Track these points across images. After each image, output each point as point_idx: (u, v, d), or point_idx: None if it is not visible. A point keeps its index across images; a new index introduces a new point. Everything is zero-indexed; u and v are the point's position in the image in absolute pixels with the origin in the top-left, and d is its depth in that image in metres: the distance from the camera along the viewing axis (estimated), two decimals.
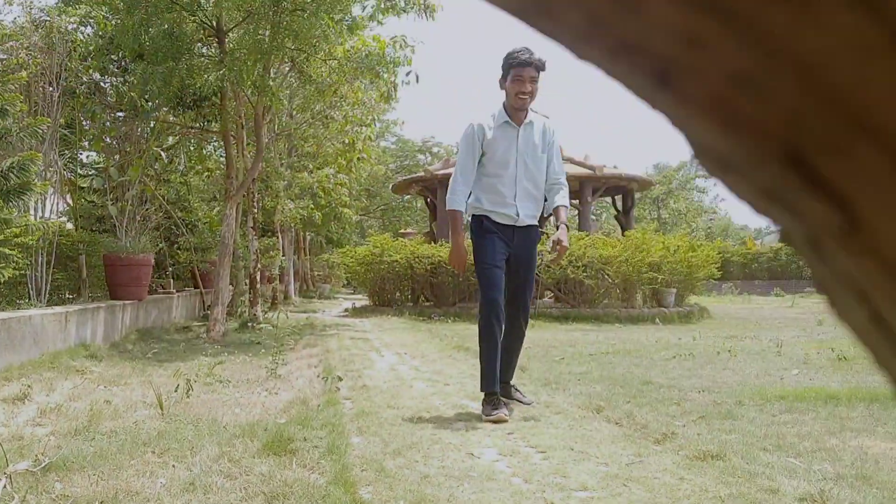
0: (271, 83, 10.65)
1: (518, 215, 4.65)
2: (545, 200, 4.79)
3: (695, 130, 0.32)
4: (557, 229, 4.63)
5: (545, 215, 4.92)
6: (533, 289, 4.94)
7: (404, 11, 12.20)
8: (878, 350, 0.33)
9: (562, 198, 4.73)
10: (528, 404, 4.66)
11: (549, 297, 14.36)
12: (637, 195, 22.65)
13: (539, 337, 9.49)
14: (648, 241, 13.84)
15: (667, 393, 5.11)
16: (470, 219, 4.83)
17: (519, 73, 4.50)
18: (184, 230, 12.25)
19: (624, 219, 19.14)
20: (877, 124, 0.26)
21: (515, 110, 4.62)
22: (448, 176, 16.15)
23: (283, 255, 19.07)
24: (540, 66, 4.51)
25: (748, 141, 0.29)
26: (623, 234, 16.17)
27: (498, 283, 4.58)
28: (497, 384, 4.48)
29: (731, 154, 0.31)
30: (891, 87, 0.25)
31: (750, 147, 0.30)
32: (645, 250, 13.36)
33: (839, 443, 3.63)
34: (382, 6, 12.09)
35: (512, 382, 4.87)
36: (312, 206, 17.68)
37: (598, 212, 37.36)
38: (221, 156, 14.37)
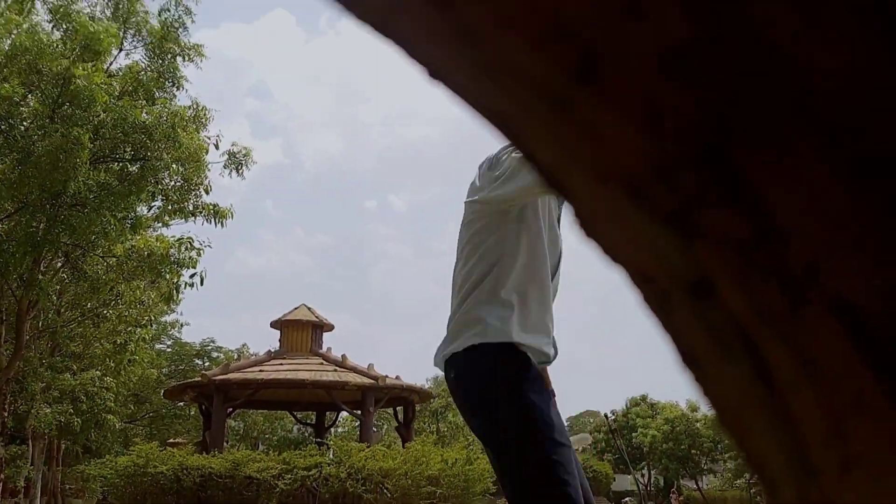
0: (41, 277, 10.07)
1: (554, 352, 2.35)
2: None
3: (612, 138, 0.29)
4: None
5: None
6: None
7: (192, 215, 12.18)
8: (753, 419, 0.31)
9: None
10: None
11: None
12: (417, 407, 22.90)
13: None
14: (428, 452, 13.87)
15: None
16: (495, 349, 2.11)
17: None
18: None
19: (405, 430, 19.17)
20: (815, 104, 0.26)
21: None
22: (226, 382, 15.59)
23: (31, 466, 17.12)
24: None
25: (668, 139, 0.28)
26: (404, 446, 16.11)
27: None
28: None
29: (645, 163, 0.28)
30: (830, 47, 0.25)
31: (669, 147, 0.28)
32: (424, 463, 13.33)
33: None
34: (170, 208, 12.02)
35: None
36: (72, 411, 16.25)
37: (380, 423, 37.14)
38: None
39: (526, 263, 2.14)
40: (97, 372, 16.55)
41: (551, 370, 2.34)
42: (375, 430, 26.32)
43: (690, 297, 0.30)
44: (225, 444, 16.10)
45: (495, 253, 2.13)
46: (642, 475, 43.91)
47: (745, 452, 0.34)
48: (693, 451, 41.24)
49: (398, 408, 19.91)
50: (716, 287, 0.29)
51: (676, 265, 0.30)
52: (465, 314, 2.14)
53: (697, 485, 42.25)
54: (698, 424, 41.04)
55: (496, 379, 2.09)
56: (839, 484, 0.30)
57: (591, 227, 0.33)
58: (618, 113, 0.28)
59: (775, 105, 0.26)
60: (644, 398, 48.50)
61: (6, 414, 11.85)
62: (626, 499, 33.75)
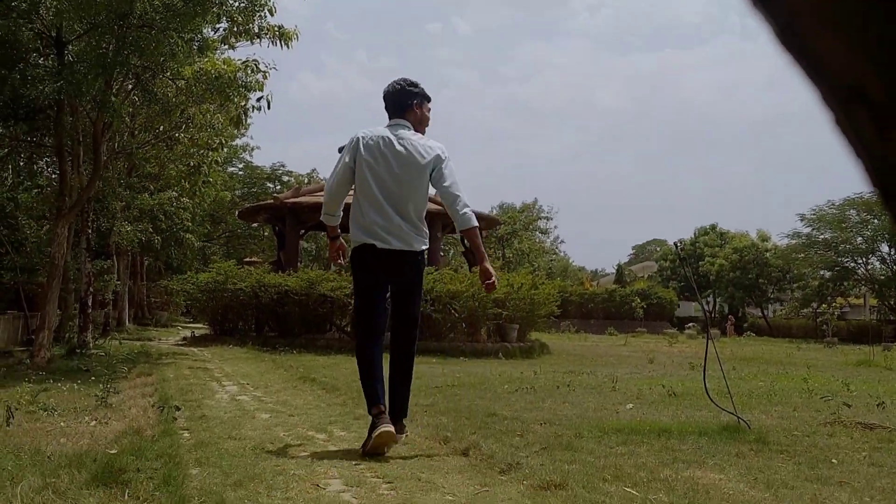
0: (113, 99, 10.17)
1: None
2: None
3: None
4: None
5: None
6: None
7: (258, 37, 11.98)
8: None
9: None
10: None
11: None
12: (483, 233, 23.19)
13: (386, 369, 9.44)
14: None
15: (511, 425, 5.19)
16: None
17: None
18: (9, 249, 11.41)
19: (471, 255, 19.51)
20: None
21: None
22: (298, 205, 15.97)
23: (117, 280, 18.12)
24: None
25: None
26: (470, 270, 16.47)
27: None
28: (375, 400, 4.52)
29: None
30: None
31: None
32: None
33: (672, 473, 3.79)
34: (235, 30, 11.82)
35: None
36: (152, 229, 16.93)
37: (447, 248, 37.94)
38: (55, 172, 13.53)
39: None
40: (173, 192, 17.05)
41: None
42: (443, 254, 26.87)
43: None
44: (298, 263, 16.68)
45: None
46: (707, 302, 44.34)
47: None
48: (760, 281, 41.21)
49: None
50: None
51: None
52: (423, 229, 4.71)
53: (763, 313, 42.52)
54: (767, 254, 40.79)
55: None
56: None
57: None
58: None
59: None
60: (713, 227, 48.15)
61: (90, 231, 12.38)
62: (690, 324, 34.28)
